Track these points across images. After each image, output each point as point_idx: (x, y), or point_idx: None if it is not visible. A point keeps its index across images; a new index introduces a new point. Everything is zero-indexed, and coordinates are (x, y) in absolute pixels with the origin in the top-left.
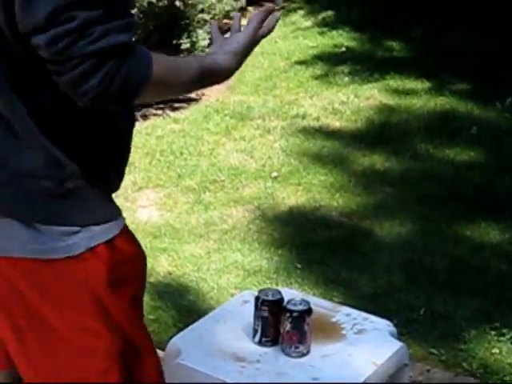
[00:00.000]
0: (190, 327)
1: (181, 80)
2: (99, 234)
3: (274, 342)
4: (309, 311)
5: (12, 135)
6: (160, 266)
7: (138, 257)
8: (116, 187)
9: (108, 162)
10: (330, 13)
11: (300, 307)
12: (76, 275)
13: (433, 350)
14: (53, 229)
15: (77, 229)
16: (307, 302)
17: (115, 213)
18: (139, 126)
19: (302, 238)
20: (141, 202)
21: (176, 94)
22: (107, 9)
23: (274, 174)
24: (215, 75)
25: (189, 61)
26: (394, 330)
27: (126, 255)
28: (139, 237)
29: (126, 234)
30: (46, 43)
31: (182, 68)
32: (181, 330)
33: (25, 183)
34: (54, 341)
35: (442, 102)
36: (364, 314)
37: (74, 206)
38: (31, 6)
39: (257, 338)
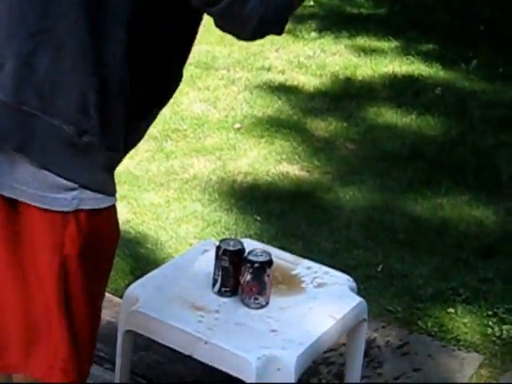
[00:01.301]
0: (149, 274)
1: None
2: (91, 199)
3: (233, 293)
4: (269, 263)
5: (60, 65)
6: (119, 213)
7: (114, 236)
8: (119, 160)
9: (128, 131)
10: None
11: (261, 258)
12: (53, 234)
13: (389, 307)
14: (53, 177)
15: (74, 186)
16: (268, 254)
17: (112, 188)
18: None
19: (263, 191)
20: None
21: None
22: None
23: (237, 126)
24: None
25: None
26: (353, 284)
27: (105, 231)
28: None
29: (113, 211)
30: None
31: None
32: (138, 278)
33: (49, 122)
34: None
35: (407, 62)
36: (324, 268)
37: (81, 161)
38: None
39: (216, 288)
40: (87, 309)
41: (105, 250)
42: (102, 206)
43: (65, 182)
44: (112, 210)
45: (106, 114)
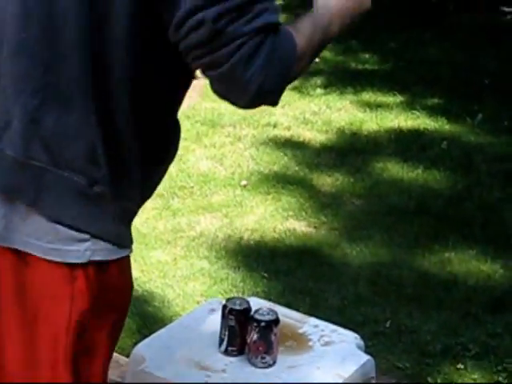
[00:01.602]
0: (156, 334)
1: (317, 39)
2: (103, 250)
3: (240, 352)
4: (276, 321)
5: (67, 118)
6: None
7: (126, 288)
8: (134, 211)
9: (140, 181)
10: None
11: (267, 317)
12: (63, 287)
13: (398, 364)
14: (65, 230)
15: (86, 237)
16: (275, 312)
17: (126, 239)
18: None
19: (270, 248)
20: None
21: (317, 54)
22: None
23: (244, 183)
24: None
25: (311, 18)
26: (361, 342)
27: (117, 283)
28: None
29: (126, 263)
30: (212, 18)
31: (313, 28)
32: (145, 336)
33: (59, 174)
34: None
35: (413, 116)
36: (332, 326)
37: (93, 211)
38: None
39: (223, 347)
40: (96, 365)
41: (117, 303)
42: (114, 257)
43: (77, 233)
44: (125, 261)
45: (117, 163)
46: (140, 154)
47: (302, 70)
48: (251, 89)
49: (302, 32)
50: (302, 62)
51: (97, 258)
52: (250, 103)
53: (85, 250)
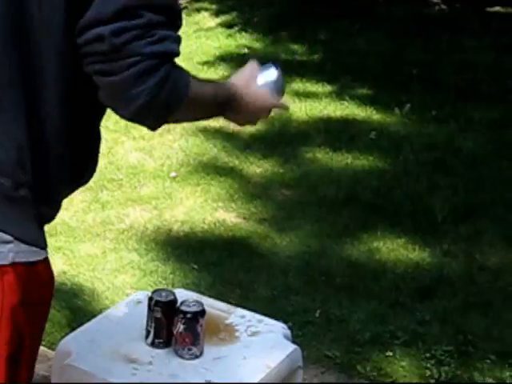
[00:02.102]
0: (82, 328)
1: (209, 102)
2: (25, 252)
3: (166, 344)
4: (202, 313)
5: None
6: (55, 264)
7: (52, 282)
8: (51, 218)
9: (58, 187)
10: (233, 14)
11: (193, 308)
12: None
13: (327, 353)
14: None
15: (10, 239)
16: (201, 304)
17: (43, 243)
18: None
19: (199, 239)
20: None
21: (198, 116)
22: (169, 18)
23: (173, 174)
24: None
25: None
26: (288, 332)
27: (43, 280)
28: None
29: (47, 263)
30: (111, 32)
31: (212, 90)
32: (74, 330)
33: None
34: None
35: (342, 107)
36: (258, 316)
37: (17, 214)
38: None
39: (149, 340)
40: (28, 352)
41: (45, 297)
42: (35, 259)
43: (1, 234)
44: (46, 261)
45: (42, 168)
46: (64, 161)
47: (185, 116)
48: (133, 106)
49: (201, 84)
50: (189, 107)
51: (20, 259)
52: (129, 118)
53: (8, 251)
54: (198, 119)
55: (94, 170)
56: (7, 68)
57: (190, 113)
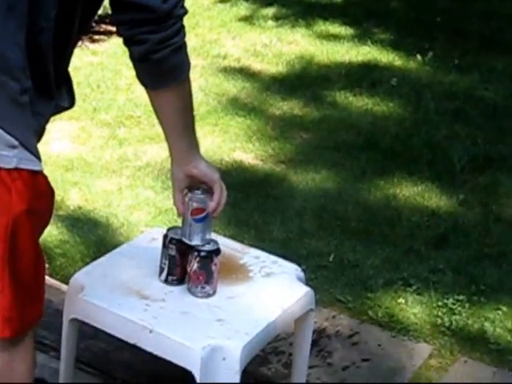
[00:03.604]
0: (95, 262)
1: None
2: (29, 160)
3: (180, 281)
4: (217, 251)
5: (7, 24)
6: (70, 199)
7: (52, 196)
8: (41, 135)
9: (45, 101)
10: None
11: (208, 247)
12: (2, 190)
13: (340, 297)
14: None
15: (16, 143)
16: (216, 242)
17: (40, 156)
18: None
19: None
20: (54, 134)
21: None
22: None
23: (193, 112)
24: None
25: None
26: (301, 274)
27: (45, 190)
28: (51, 169)
29: (46, 176)
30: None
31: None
32: (88, 265)
33: None
34: None
35: (364, 51)
36: (273, 257)
37: (22, 120)
38: None
39: (163, 277)
40: (33, 258)
41: (47, 204)
42: (37, 168)
43: (8, 138)
44: (45, 175)
45: (35, 79)
46: (50, 76)
47: (175, 95)
48: (165, 51)
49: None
50: (180, 87)
51: (23, 166)
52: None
53: (13, 156)
54: (180, 110)
55: (72, 97)
56: None
57: (180, 93)
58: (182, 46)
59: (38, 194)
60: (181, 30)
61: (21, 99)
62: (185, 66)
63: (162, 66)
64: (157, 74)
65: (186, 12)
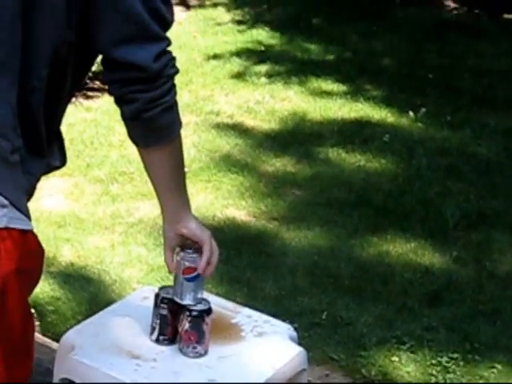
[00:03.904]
0: (86, 321)
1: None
2: (19, 220)
3: (171, 341)
4: (208, 311)
5: None
6: (62, 256)
7: (42, 255)
8: (30, 195)
9: (36, 160)
10: (250, 11)
11: (200, 307)
12: None
13: (333, 355)
14: None
15: (6, 203)
16: (207, 302)
17: (30, 215)
18: None
19: None
20: (47, 191)
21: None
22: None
23: (184, 170)
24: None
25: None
26: (294, 334)
27: (35, 249)
28: (43, 225)
29: (36, 235)
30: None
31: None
32: (80, 322)
33: None
34: None
35: (356, 108)
36: (265, 317)
37: (12, 179)
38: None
39: (154, 336)
40: (22, 317)
41: (36, 263)
42: (27, 227)
43: None
44: (35, 234)
45: (26, 138)
46: (41, 136)
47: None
48: (154, 111)
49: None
50: (172, 145)
51: (13, 225)
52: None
53: (3, 215)
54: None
55: (64, 156)
56: (15, 37)
57: (172, 151)
58: (173, 105)
59: (27, 253)
60: (172, 89)
61: (11, 158)
62: (176, 124)
63: (152, 124)
64: (148, 133)
65: (177, 71)
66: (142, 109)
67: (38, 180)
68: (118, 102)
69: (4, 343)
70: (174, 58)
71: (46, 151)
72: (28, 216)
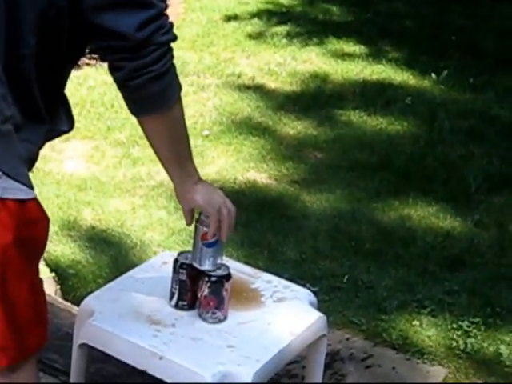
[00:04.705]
0: (106, 286)
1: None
2: (14, 190)
3: (190, 306)
4: (228, 276)
5: None
6: (83, 219)
7: (46, 222)
8: (33, 162)
9: (36, 127)
10: None
11: (219, 272)
12: None
13: (353, 319)
14: None
15: None
16: (227, 267)
17: (31, 183)
18: (71, 75)
19: (230, 199)
20: (68, 153)
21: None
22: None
23: (206, 132)
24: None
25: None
26: (314, 299)
27: (36, 217)
28: (64, 188)
29: (38, 202)
30: (137, 28)
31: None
32: (100, 286)
33: None
34: None
35: (378, 70)
36: (285, 282)
37: (4, 150)
38: None
39: (173, 302)
40: (28, 287)
41: (40, 231)
42: (26, 197)
43: None
44: (37, 201)
45: (20, 106)
46: (38, 102)
47: (163, 123)
48: (143, 78)
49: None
50: (170, 116)
51: (8, 195)
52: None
53: None
54: (169, 142)
55: (71, 120)
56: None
57: (169, 123)
58: (165, 73)
59: (26, 222)
60: (162, 57)
61: (3, 128)
62: (169, 93)
63: (141, 93)
64: (138, 101)
65: (171, 39)
66: (128, 77)
67: (40, 147)
68: (109, 68)
69: (8, 313)
70: (166, 25)
71: (46, 118)
72: (28, 184)
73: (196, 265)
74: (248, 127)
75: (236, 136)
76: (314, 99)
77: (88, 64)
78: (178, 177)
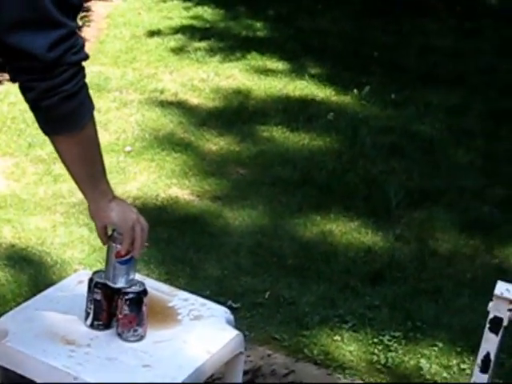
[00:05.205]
0: (20, 307)
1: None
2: None
3: (106, 326)
4: (145, 292)
5: None
6: (2, 237)
7: None
8: None
9: None
10: None
11: (136, 288)
12: None
13: (275, 335)
14: None
15: None
16: (142, 283)
17: None
18: None
19: (151, 216)
20: None
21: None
22: (76, 18)
23: (128, 149)
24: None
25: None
26: (231, 317)
27: None
28: None
29: None
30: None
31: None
32: (20, 304)
33: None
34: None
35: (301, 86)
36: (202, 300)
37: None
38: None
39: (89, 321)
40: None
41: None
42: None
43: None
44: None
45: None
46: None
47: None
48: (54, 99)
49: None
50: (83, 136)
51: None
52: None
53: None
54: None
55: None
56: None
57: (81, 143)
58: (76, 93)
59: None
60: (74, 77)
61: None
62: (81, 113)
63: (52, 113)
64: (49, 121)
65: (82, 58)
66: (40, 97)
67: None
68: (20, 88)
69: None
70: (77, 44)
71: None
72: None
73: (110, 283)
74: (170, 143)
75: (158, 152)
76: (236, 115)
77: (9, 80)
78: (92, 195)
